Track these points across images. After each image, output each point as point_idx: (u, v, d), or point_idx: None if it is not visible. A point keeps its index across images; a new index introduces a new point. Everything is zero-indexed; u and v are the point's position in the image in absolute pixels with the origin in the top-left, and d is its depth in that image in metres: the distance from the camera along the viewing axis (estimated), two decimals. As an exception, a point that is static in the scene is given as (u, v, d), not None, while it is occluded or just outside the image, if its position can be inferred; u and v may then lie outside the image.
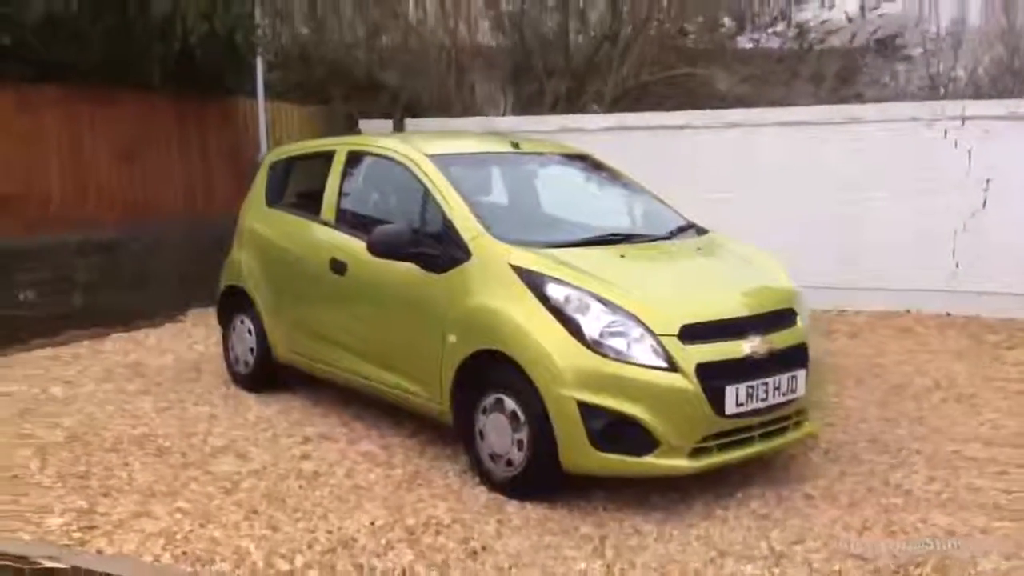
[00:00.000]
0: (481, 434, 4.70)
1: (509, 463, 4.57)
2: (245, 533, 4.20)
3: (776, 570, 3.88)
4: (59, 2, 7.96)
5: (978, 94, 14.14)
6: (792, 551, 4.05)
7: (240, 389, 6.54)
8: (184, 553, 4.01)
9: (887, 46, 12.88)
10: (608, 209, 5.69)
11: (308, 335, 5.88)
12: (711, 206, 9.57)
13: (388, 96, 12.05)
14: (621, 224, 5.45)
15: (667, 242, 5.30)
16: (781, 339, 4.64)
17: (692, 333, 4.37)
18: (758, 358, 4.49)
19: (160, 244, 9.30)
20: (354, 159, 5.79)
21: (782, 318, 4.75)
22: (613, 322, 4.34)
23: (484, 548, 4.07)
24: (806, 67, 11.85)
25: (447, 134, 6.68)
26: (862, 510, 4.49)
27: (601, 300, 4.39)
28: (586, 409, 4.28)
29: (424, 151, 5.37)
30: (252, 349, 6.39)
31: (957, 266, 9.34)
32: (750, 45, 12.47)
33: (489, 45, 12.08)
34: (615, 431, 4.28)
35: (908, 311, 9.43)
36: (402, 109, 11.92)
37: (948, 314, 9.26)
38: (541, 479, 4.49)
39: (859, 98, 12.17)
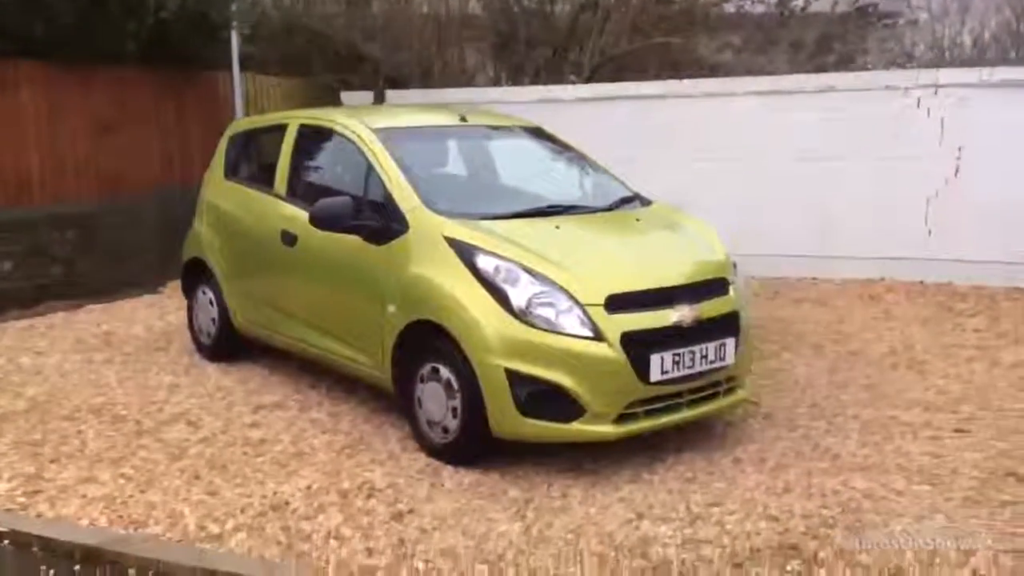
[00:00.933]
0: (419, 402, 4.83)
1: (445, 430, 4.70)
2: (183, 498, 4.35)
3: (689, 531, 4.00)
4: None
5: (982, 60, 14.03)
6: (709, 512, 4.17)
7: (203, 359, 6.68)
8: (121, 517, 4.16)
9: (869, 12, 12.81)
10: (552, 181, 5.77)
11: (263, 305, 6.01)
12: (687, 175, 9.73)
13: (371, 68, 12.09)
14: (563, 195, 5.53)
15: (607, 213, 5.39)
16: (711, 308, 4.74)
17: (618, 303, 4.47)
18: (686, 327, 4.59)
19: (137, 217, 9.43)
20: (305, 133, 5.89)
21: (712, 288, 4.84)
22: (540, 292, 4.45)
23: (411, 511, 4.20)
24: (787, 33, 11.83)
25: (397, 108, 6.78)
26: (786, 474, 4.60)
27: (529, 271, 4.50)
28: (513, 377, 4.39)
29: (370, 125, 5.46)
30: (213, 319, 6.53)
31: (930, 233, 9.38)
32: (733, 10, 12.44)
33: (473, 15, 12.08)
34: (541, 398, 4.40)
35: (883, 279, 9.47)
36: (384, 80, 11.96)
37: (921, 282, 9.31)
38: (474, 445, 4.62)
39: (844, 66, 12.14)
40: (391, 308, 4.91)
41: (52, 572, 3.72)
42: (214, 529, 4.03)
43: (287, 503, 4.28)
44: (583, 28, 11.60)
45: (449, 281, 4.62)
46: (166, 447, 5.00)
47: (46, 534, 3.93)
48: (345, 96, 11.75)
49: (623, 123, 10.32)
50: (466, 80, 11.95)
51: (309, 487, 4.46)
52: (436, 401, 4.71)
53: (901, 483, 4.49)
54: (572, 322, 4.41)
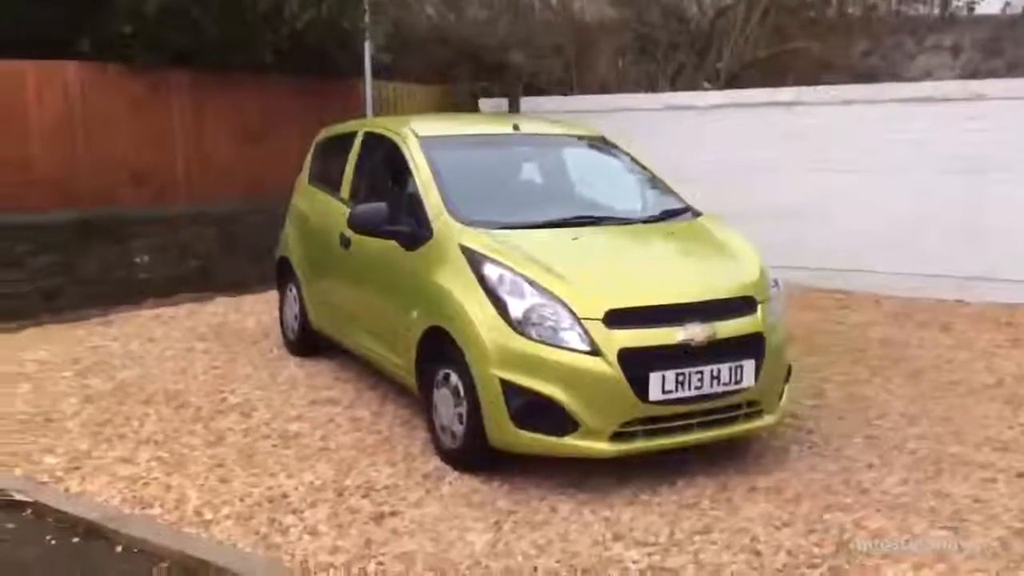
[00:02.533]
0: (435, 406, 4.91)
1: (453, 435, 4.77)
2: (199, 483, 4.63)
3: (658, 558, 3.87)
4: (173, -7, 8.72)
5: None
6: (691, 540, 4.02)
7: (288, 353, 7.03)
8: (135, 496, 4.48)
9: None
10: (594, 191, 5.70)
11: (328, 305, 6.28)
12: (820, 184, 9.33)
13: (513, 75, 12.27)
14: (600, 206, 5.44)
15: (639, 226, 5.28)
16: (729, 328, 4.55)
17: (619, 318, 4.38)
18: (695, 346, 4.43)
19: (274, 217, 9.96)
20: (368, 140, 6.10)
21: (733, 307, 4.64)
22: (538, 304, 4.42)
23: (394, 513, 4.29)
24: (948, 38, 11.02)
25: (458, 116, 6.89)
26: (799, 507, 4.37)
27: (530, 282, 4.48)
28: (508, 387, 4.40)
29: (418, 133, 5.60)
30: (296, 316, 6.87)
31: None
32: (890, 11, 11.71)
33: (613, 22, 12.02)
34: (535, 410, 4.38)
35: (1034, 303, 8.70)
36: (523, 87, 12.12)
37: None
38: (475, 453, 4.65)
39: (1014, 71, 11.19)
40: (414, 313, 5.02)
41: (54, 542, 4.06)
42: (208, 515, 4.27)
43: (285, 496, 4.47)
44: (721, 33, 11.28)
45: (459, 289, 4.68)
46: (209, 434, 5.32)
47: (61, 507, 4.30)
48: (483, 103, 12.02)
49: (754, 130, 10.01)
50: (602, 87, 11.88)
51: (313, 482, 4.62)
52: (447, 406, 4.78)
53: (921, 526, 4.17)
54: (569, 336, 4.36)
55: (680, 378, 4.38)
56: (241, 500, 4.43)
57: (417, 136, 5.53)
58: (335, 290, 6.17)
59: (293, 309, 6.91)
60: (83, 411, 5.72)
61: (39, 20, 8.61)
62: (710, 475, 4.71)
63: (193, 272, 9.38)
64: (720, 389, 4.49)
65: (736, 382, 4.53)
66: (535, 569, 3.78)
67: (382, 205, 5.26)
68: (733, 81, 11.08)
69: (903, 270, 9.24)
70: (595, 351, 4.32)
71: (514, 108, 11.71)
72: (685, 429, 4.53)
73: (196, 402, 5.92)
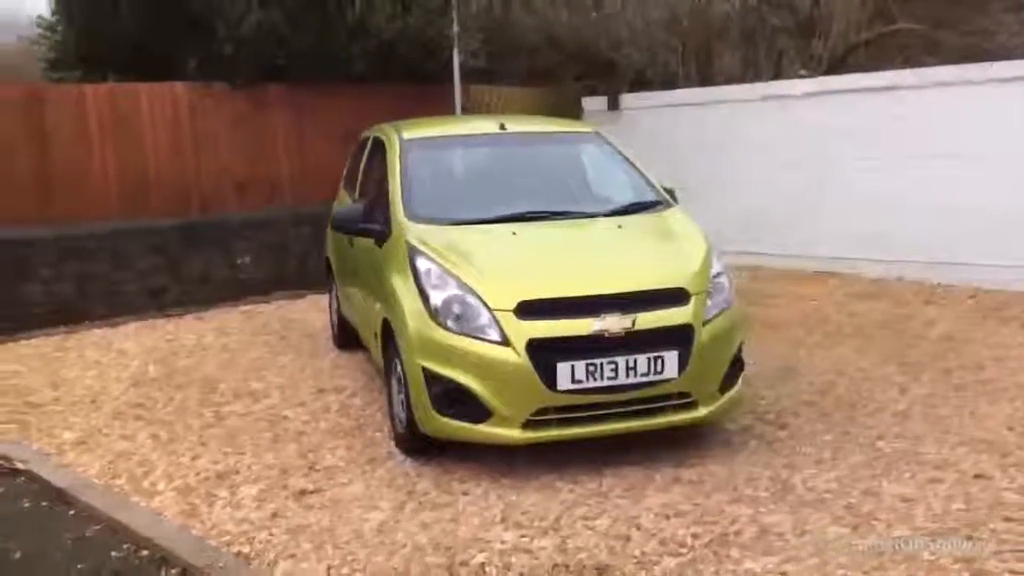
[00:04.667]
0: (391, 395, 5.20)
1: (400, 422, 5.04)
2: (174, 460, 5.14)
3: (525, 539, 4.00)
4: (266, 12, 9.45)
5: None
6: (572, 526, 4.11)
7: (333, 346, 7.52)
8: (111, 468, 5.04)
9: None
10: (563, 187, 5.77)
11: (346, 300, 6.71)
12: (916, 175, 8.92)
13: (621, 72, 12.33)
14: (561, 202, 5.51)
15: (594, 220, 5.34)
16: (651, 319, 4.57)
17: (531, 309, 4.51)
18: (610, 336, 4.49)
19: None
20: (374, 144, 6.46)
21: (659, 299, 4.64)
22: (455, 296, 4.63)
23: (317, 491, 4.62)
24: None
25: (448, 119, 7.10)
26: (706, 498, 4.36)
27: (451, 274, 4.69)
28: (429, 376, 4.63)
29: (403, 135, 5.90)
30: (336, 311, 7.35)
31: None
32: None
33: (718, 14, 11.83)
34: (452, 398, 4.58)
35: None
36: (629, 84, 12.16)
37: None
38: (414, 438, 4.90)
39: None
40: (377, 306, 5.34)
41: (27, 504, 4.68)
42: (160, 487, 4.76)
43: (236, 472, 4.90)
44: (825, 15, 10.86)
45: (400, 283, 4.95)
46: (212, 416, 5.85)
47: (46, 476, 4.92)
48: (586, 102, 12.16)
49: (850, 117, 9.62)
50: (706, 79, 11.72)
51: (269, 461, 5.03)
52: (396, 394, 5.05)
53: (821, 523, 4.09)
54: (480, 326, 4.53)
55: (591, 368, 4.45)
56: (196, 475, 4.88)
57: (401, 138, 5.83)
58: (347, 286, 6.58)
59: (333, 305, 7.38)
60: (124, 394, 6.40)
61: (150, 46, 9.58)
62: (642, 466, 4.73)
63: (291, 271, 10.09)
64: (637, 380, 4.52)
65: (657, 373, 4.54)
66: (405, 545, 3.98)
67: (359, 206, 5.61)
68: (837, 66, 10.65)
69: (1003, 262, 8.62)
70: (506, 341, 4.47)
71: (613, 105, 11.78)
72: (603, 419, 4.59)
73: (223, 388, 6.48)
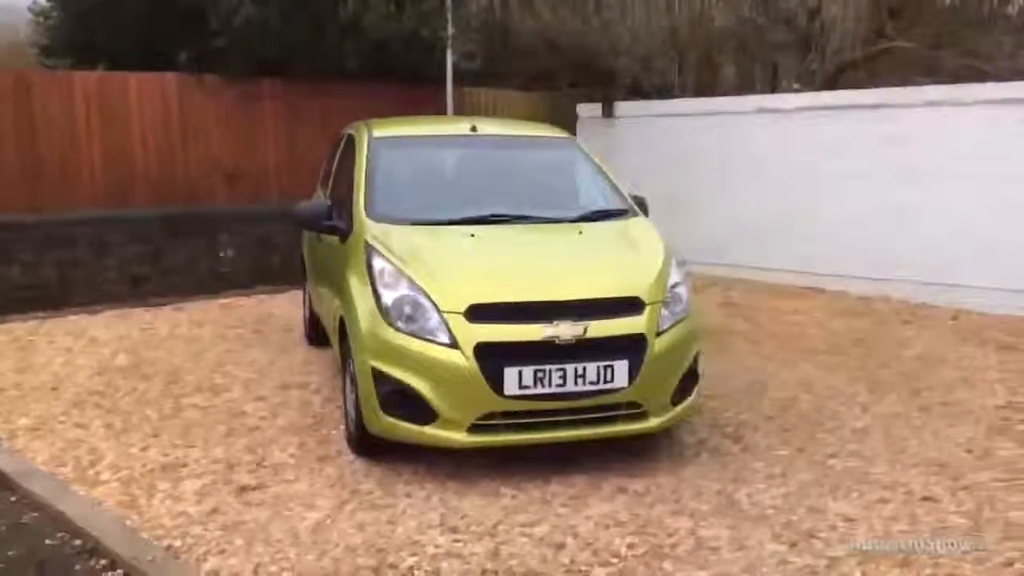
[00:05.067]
0: (345, 394, 5.17)
1: (352, 420, 5.01)
2: (122, 450, 5.11)
3: (459, 544, 3.96)
4: (258, 8, 9.44)
5: None
6: (508, 532, 4.07)
7: (305, 342, 7.49)
8: (60, 456, 5.02)
9: None
10: (532, 190, 5.73)
11: (315, 295, 6.68)
12: (903, 192, 8.83)
13: (618, 80, 12.30)
14: (524, 205, 5.46)
15: (555, 225, 5.31)
16: (602, 328, 4.53)
17: (481, 313, 4.47)
18: (560, 343, 4.45)
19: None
20: (347, 141, 6.44)
21: (612, 307, 4.60)
22: (406, 296, 4.59)
23: (259, 487, 4.59)
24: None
25: (420, 119, 7.03)
26: (651, 511, 4.31)
27: (404, 274, 4.66)
28: (378, 375, 4.60)
29: (373, 134, 5.88)
30: (307, 307, 7.33)
31: None
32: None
33: (716, 25, 11.79)
34: (399, 399, 4.55)
35: None
36: (626, 92, 12.13)
37: None
38: (364, 437, 4.86)
39: None
40: (336, 303, 5.31)
41: (-30, 489, 4.65)
42: (104, 477, 4.73)
43: (183, 466, 4.88)
44: (820, 32, 10.82)
45: (356, 281, 4.92)
46: (171, 408, 5.83)
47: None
48: (581, 108, 12.13)
49: (841, 134, 9.58)
50: (702, 90, 11.68)
51: (217, 456, 5.00)
52: (349, 393, 5.02)
53: (760, 538, 4.05)
54: (429, 328, 4.50)
55: (539, 374, 4.41)
56: (142, 466, 4.86)
57: (370, 136, 5.81)
58: (316, 282, 6.55)
59: (306, 300, 7.36)
60: (88, 382, 6.38)
61: (143, 36, 9.58)
62: (590, 475, 4.69)
63: (274, 266, 10.07)
64: (586, 388, 4.48)
65: (607, 382, 4.50)
66: (338, 545, 3.95)
67: (323, 203, 5.59)
68: (832, 82, 10.60)
69: (988, 284, 8.56)
70: (454, 344, 4.44)
71: (608, 112, 11.75)
72: (551, 426, 4.55)
73: (188, 380, 6.46)
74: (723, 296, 9.63)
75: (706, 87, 11.67)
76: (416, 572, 3.72)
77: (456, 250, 4.88)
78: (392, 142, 5.82)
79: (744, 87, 11.18)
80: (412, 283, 4.60)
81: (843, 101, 9.77)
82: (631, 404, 4.62)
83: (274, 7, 9.53)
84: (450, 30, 10.31)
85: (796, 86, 10.57)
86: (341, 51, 10.00)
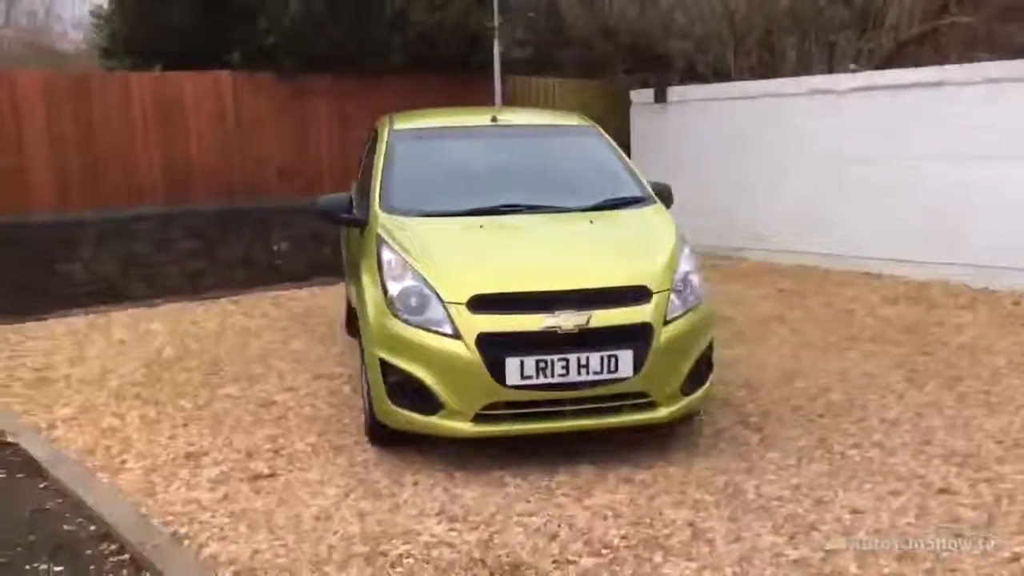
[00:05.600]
0: (363, 384, 5.25)
1: (366, 410, 5.09)
2: (151, 440, 5.29)
3: (454, 533, 4.00)
4: (306, 5, 9.62)
5: None
6: (505, 521, 4.09)
7: (347, 334, 7.62)
8: (92, 444, 5.22)
9: None
10: (549, 179, 5.69)
11: (349, 287, 6.79)
12: (963, 173, 8.56)
13: (674, 64, 12.17)
14: (538, 195, 5.43)
15: (567, 214, 5.28)
16: (607, 317, 4.50)
17: (483, 303, 4.49)
18: (563, 333, 4.45)
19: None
20: (375, 135, 6.50)
21: (617, 296, 4.57)
22: (412, 287, 4.64)
23: (272, 475, 4.70)
24: None
25: (441, 111, 6.97)
26: (652, 501, 4.28)
27: (409, 265, 4.71)
28: (385, 366, 4.66)
29: (394, 126, 5.94)
30: (346, 298, 7.45)
31: None
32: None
33: (776, 4, 11.53)
34: (406, 389, 4.60)
35: None
36: (682, 76, 11.99)
37: None
38: (376, 427, 4.94)
39: None
40: (354, 294, 5.39)
41: (3, 476, 4.89)
42: (129, 465, 4.91)
43: (204, 454, 5.03)
44: (880, 8, 10.49)
45: (368, 272, 5.00)
46: (205, 399, 6.00)
47: (30, 449, 5.17)
48: (634, 95, 12.03)
49: (899, 115, 9.29)
50: (758, 72, 11.46)
51: (239, 445, 5.14)
52: (364, 383, 5.10)
53: (759, 531, 3.97)
54: (433, 318, 4.54)
55: (541, 364, 4.41)
56: (167, 454, 5.03)
57: (391, 129, 5.87)
58: (349, 275, 6.65)
59: (345, 292, 7.48)
60: (133, 374, 6.61)
61: (197, 36, 9.85)
62: (598, 464, 4.68)
63: (327, 259, 10.24)
64: (590, 378, 4.46)
65: (611, 372, 4.48)
66: (336, 532, 4.03)
67: (344, 195, 5.68)
68: (890, 60, 10.28)
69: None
70: (457, 334, 4.47)
71: (660, 97, 11.63)
72: (556, 416, 4.55)
73: (228, 371, 6.64)
74: (774, 283, 9.45)
75: (764, 69, 11.43)
76: (406, 560, 3.76)
77: (462, 241, 4.91)
78: (411, 134, 5.88)
79: (801, 68, 10.91)
80: (417, 274, 4.64)
81: (899, 80, 9.46)
82: (638, 394, 4.59)
83: (322, 4, 9.67)
84: (496, 20, 10.31)
85: (852, 66, 10.26)
86: (389, 45, 10.11)
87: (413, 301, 4.60)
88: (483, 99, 10.75)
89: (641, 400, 4.61)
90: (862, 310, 8.12)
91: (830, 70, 10.68)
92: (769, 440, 5.01)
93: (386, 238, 4.94)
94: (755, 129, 10.66)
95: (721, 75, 11.68)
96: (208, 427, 5.45)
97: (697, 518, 4.09)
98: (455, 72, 10.65)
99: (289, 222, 10.17)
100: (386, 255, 4.84)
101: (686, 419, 5.11)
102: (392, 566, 3.73)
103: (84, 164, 9.22)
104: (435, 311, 4.53)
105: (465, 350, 4.42)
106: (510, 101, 10.91)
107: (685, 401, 4.75)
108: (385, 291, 4.71)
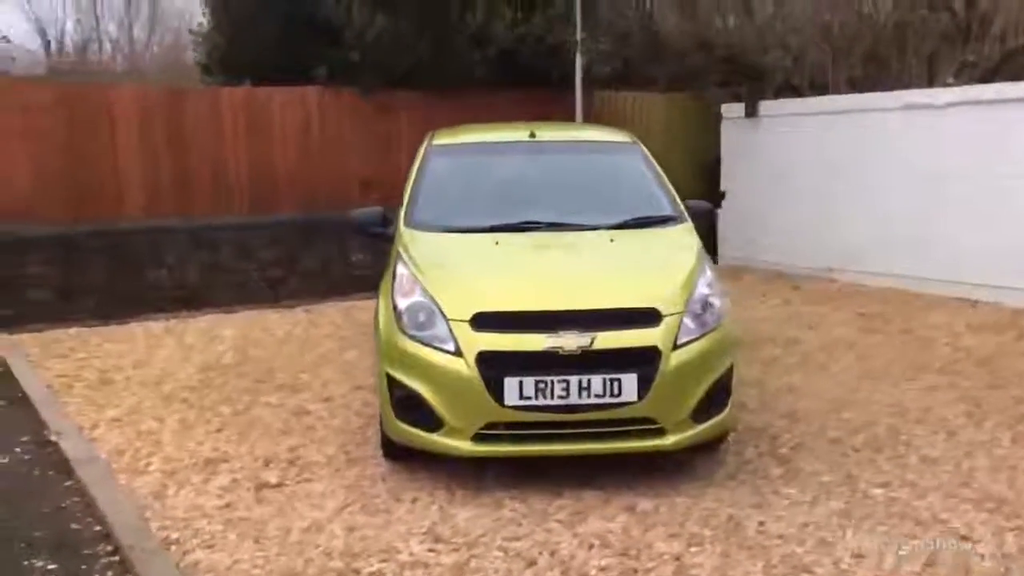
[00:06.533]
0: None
1: (380, 425, 5.10)
2: (181, 444, 5.43)
3: (432, 554, 3.96)
4: (389, 21, 9.80)
5: None
6: (489, 545, 4.02)
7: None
8: (123, 446, 5.40)
9: None
10: (579, 196, 5.57)
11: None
12: None
13: (768, 77, 11.83)
14: (564, 212, 5.34)
15: (587, 232, 5.18)
16: (612, 340, 4.39)
17: (486, 321, 4.44)
18: (565, 354, 4.36)
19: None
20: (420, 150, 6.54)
21: (625, 319, 4.44)
22: (419, 303, 4.64)
23: (279, 485, 4.77)
24: None
25: (481, 126, 6.91)
26: (646, 533, 4.14)
27: (418, 281, 4.71)
28: (391, 381, 4.66)
29: (434, 141, 5.96)
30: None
31: None
32: None
33: (876, 17, 11.03)
34: (410, 405, 4.58)
35: None
36: (775, 91, 11.65)
37: None
38: (388, 442, 4.94)
39: None
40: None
41: (37, 473, 5.11)
42: (152, 467, 5.06)
43: (224, 461, 5.13)
44: (984, 17, 9.90)
45: (385, 286, 5.02)
46: (246, 406, 6.13)
47: (65, 448, 5.37)
48: (725, 109, 11.76)
49: (999, 131, 8.79)
50: (856, 85, 10.99)
51: (260, 453, 5.23)
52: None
53: (751, 570, 3.77)
54: (438, 335, 4.51)
55: (541, 385, 4.33)
56: (190, 459, 5.16)
57: (430, 145, 5.90)
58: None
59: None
60: (189, 378, 6.83)
61: (285, 53, 10.16)
62: (606, 490, 4.55)
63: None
64: (592, 401, 4.35)
65: (613, 395, 4.35)
66: (319, 547, 4.05)
67: (376, 209, 5.71)
68: (993, 74, 9.70)
69: None
70: (458, 352, 4.43)
71: (751, 111, 11.32)
72: (558, 439, 4.46)
73: (277, 378, 6.78)
74: (859, 307, 9.03)
75: (863, 82, 10.95)
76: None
77: (474, 258, 4.87)
78: (447, 150, 5.88)
79: (900, 82, 10.40)
80: (424, 290, 4.62)
81: (999, 95, 8.90)
82: (645, 420, 4.44)
83: (404, 20, 9.82)
84: (579, 35, 10.24)
85: (949, 80, 9.72)
86: (470, 60, 10.18)
87: (421, 317, 4.59)
88: (564, 113, 10.71)
89: (648, 426, 4.46)
90: (943, 338, 7.67)
91: (930, 83, 10.14)
92: (792, 474, 4.76)
93: (403, 253, 4.95)
94: (848, 145, 10.24)
95: (818, 88, 11.25)
96: (238, 434, 5.56)
97: (687, 553, 3.91)
98: (537, 86, 10.63)
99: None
100: (400, 270, 4.85)
101: (711, 448, 4.92)
102: (360, 584, 3.69)
103: (174, 175, 9.59)
104: (440, 328, 4.51)
105: (465, 368, 4.37)
106: (593, 115, 10.81)
107: (697, 429, 4.56)
108: (395, 306, 4.71)
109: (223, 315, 9.18)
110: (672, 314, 4.49)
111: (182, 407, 6.11)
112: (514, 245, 5.02)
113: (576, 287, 4.60)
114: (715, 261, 11.78)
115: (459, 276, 4.70)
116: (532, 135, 5.91)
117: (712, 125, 11.81)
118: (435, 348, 4.48)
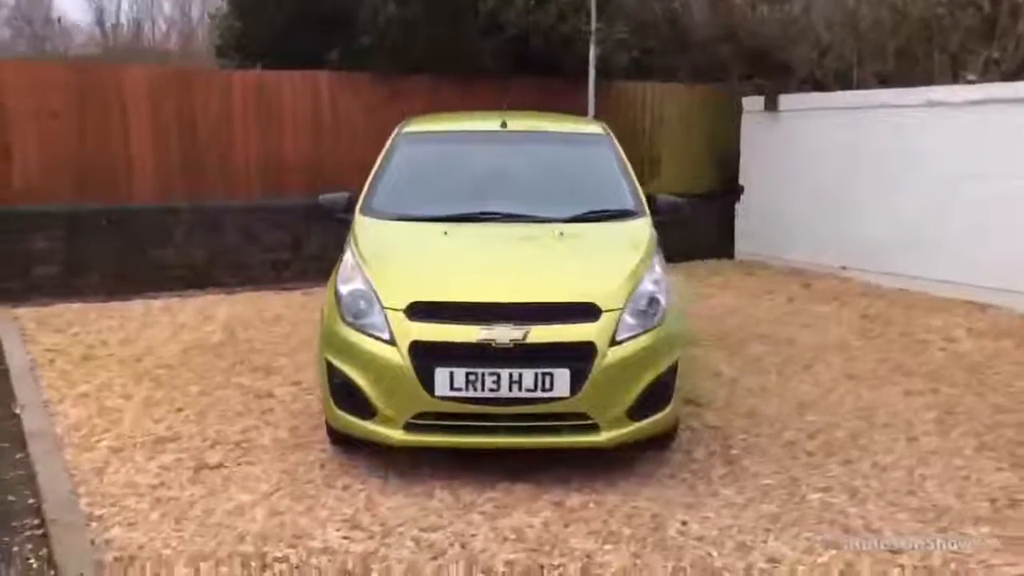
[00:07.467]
0: (328, 383, 5.26)
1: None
2: (138, 422, 5.47)
3: (346, 541, 3.95)
4: (400, 7, 9.78)
5: None
6: (403, 536, 4.01)
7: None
8: (83, 420, 5.47)
9: None
10: (540, 188, 5.50)
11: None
12: None
13: (791, 70, 11.61)
14: (520, 204, 5.26)
15: (539, 225, 5.10)
16: (546, 334, 4.33)
17: (421, 311, 4.41)
18: (498, 347, 4.32)
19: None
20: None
21: (561, 313, 4.37)
22: (357, 291, 4.62)
23: (217, 467, 4.78)
24: None
25: (453, 115, 6.86)
26: (563, 527, 4.10)
27: (360, 269, 4.69)
28: (330, 368, 4.66)
29: (403, 129, 5.94)
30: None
31: None
32: None
33: (897, 10, 10.74)
34: (347, 393, 4.57)
35: None
36: (798, 84, 11.43)
37: None
38: (329, 427, 4.94)
39: None
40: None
41: None
42: (102, 443, 5.12)
43: (176, 439, 5.18)
44: (1010, 13, 9.58)
45: (334, 273, 5.01)
46: (215, 386, 6.17)
47: (26, 422, 5.45)
48: (746, 102, 11.58)
49: (1018, 130, 8.49)
50: (881, 80, 10.73)
51: (211, 434, 5.27)
52: (325, 384, 5.12)
53: (659, 572, 3.70)
54: (372, 323, 4.49)
55: (471, 377, 4.29)
56: (143, 436, 5.21)
57: (399, 132, 5.87)
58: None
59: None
60: (170, 357, 6.89)
61: (296, 37, 10.21)
62: (541, 485, 4.50)
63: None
64: (522, 395, 4.30)
65: (545, 390, 4.30)
66: (236, 529, 4.07)
67: (342, 194, 5.70)
68: (1019, 72, 9.39)
69: None
70: (392, 341, 4.41)
71: (771, 105, 11.13)
72: (489, 431, 4.41)
73: (255, 360, 6.83)
74: (865, 307, 8.83)
75: (886, 78, 10.68)
76: (278, 565, 3.74)
77: (418, 247, 4.85)
78: (416, 138, 5.85)
79: (924, 78, 10.11)
80: (364, 278, 4.60)
81: (1016, 94, 8.61)
82: (578, 415, 4.37)
83: (416, 5, 9.79)
84: (594, 24, 10.12)
85: (970, 77, 9.41)
86: (481, 48, 10.11)
87: (360, 304, 4.57)
88: (576, 103, 10.57)
89: (581, 422, 4.39)
90: (939, 342, 7.47)
91: (955, 79, 9.84)
92: (734, 475, 4.67)
93: (352, 240, 4.93)
94: (867, 142, 10.01)
95: (843, 83, 11.00)
96: (197, 413, 5.60)
97: (600, 551, 3.86)
98: (549, 75, 10.52)
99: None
100: (346, 257, 4.84)
101: (663, 446, 4.86)
102: (263, 569, 3.71)
103: (184, 156, 9.69)
104: (375, 316, 4.49)
105: (398, 357, 4.35)
106: (604, 106, 10.67)
107: (633, 427, 4.48)
108: (337, 293, 4.70)
109: (224, 295, 9.29)
110: (612, 310, 4.41)
111: (152, 385, 6.18)
112: (462, 236, 4.97)
113: (515, 280, 4.55)
114: (731, 256, 11.65)
115: (400, 265, 4.68)
116: (503, 125, 5.84)
117: (733, 118, 11.61)
118: (371, 336, 4.47)
